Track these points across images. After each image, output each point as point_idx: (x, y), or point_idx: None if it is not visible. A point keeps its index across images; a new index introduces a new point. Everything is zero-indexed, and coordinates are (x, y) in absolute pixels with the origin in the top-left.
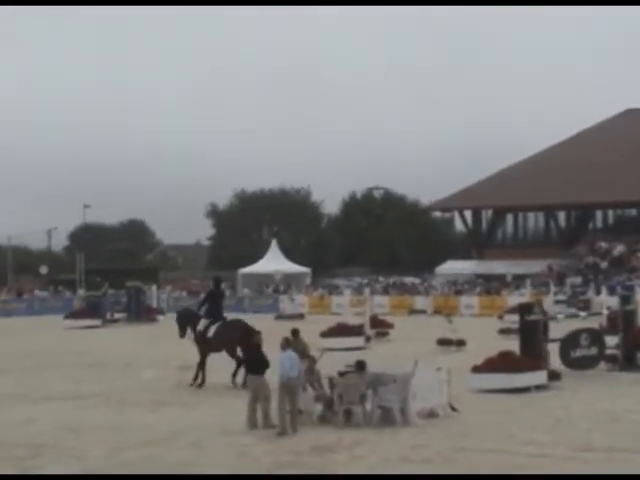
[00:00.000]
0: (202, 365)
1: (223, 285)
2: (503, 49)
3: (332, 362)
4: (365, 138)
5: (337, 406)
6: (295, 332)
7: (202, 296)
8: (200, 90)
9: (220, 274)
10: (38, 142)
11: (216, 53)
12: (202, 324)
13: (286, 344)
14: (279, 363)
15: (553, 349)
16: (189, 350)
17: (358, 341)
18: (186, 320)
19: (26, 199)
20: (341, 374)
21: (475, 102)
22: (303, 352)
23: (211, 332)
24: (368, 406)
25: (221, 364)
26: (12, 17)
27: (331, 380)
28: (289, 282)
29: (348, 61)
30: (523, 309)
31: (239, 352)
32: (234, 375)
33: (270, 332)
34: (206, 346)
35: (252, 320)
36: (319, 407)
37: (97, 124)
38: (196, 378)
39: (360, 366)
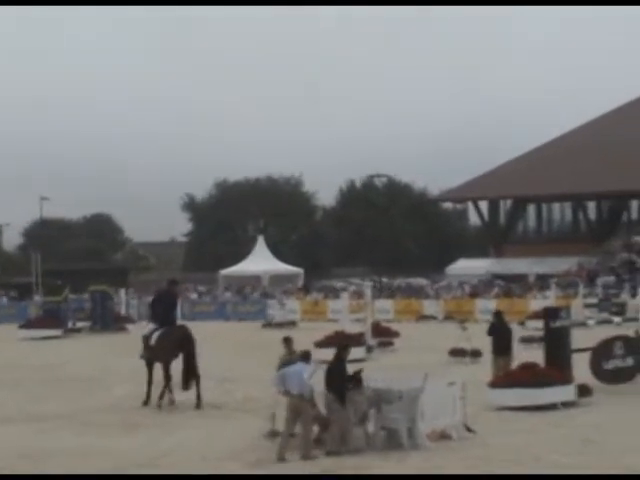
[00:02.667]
0: (148, 378)
1: (178, 288)
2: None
3: None
4: (364, 118)
5: (334, 427)
6: (287, 340)
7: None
8: (173, 64)
9: (193, 275)
10: None
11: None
12: (148, 329)
13: (288, 356)
14: (285, 378)
15: (583, 360)
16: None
17: (358, 352)
18: None
19: None
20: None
21: (490, 74)
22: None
23: (153, 339)
24: (370, 427)
25: (205, 378)
26: None
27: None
28: (278, 284)
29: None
30: (548, 314)
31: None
32: (160, 396)
33: (257, 343)
34: (147, 354)
35: (236, 328)
36: (314, 429)
37: (58, 98)
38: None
39: (356, 381)
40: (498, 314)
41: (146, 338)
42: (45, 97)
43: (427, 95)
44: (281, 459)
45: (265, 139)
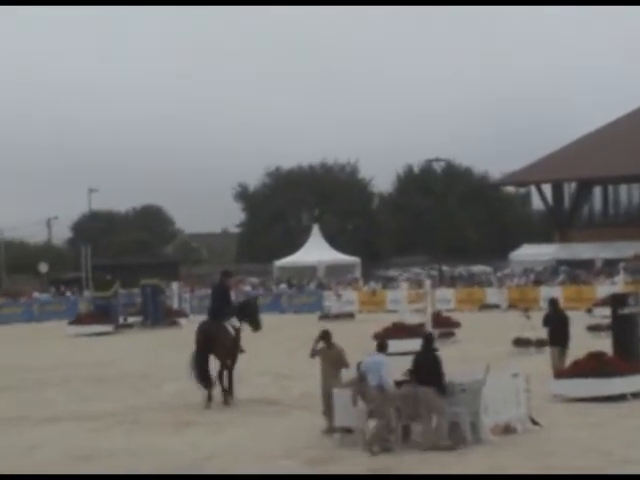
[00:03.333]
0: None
1: (232, 279)
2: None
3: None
4: (418, 101)
5: (394, 422)
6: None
7: None
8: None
9: (247, 267)
10: (32, 118)
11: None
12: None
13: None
14: (366, 369)
15: None
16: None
17: (418, 343)
18: None
19: (22, 184)
20: (398, 383)
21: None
22: (339, 360)
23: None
24: (433, 421)
25: (251, 375)
26: None
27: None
28: (335, 275)
29: None
30: (616, 301)
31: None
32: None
33: (314, 336)
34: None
35: (292, 321)
36: (372, 423)
37: (101, 89)
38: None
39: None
40: (553, 302)
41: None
42: (94, 85)
43: (488, 75)
44: (372, 452)
45: (318, 128)
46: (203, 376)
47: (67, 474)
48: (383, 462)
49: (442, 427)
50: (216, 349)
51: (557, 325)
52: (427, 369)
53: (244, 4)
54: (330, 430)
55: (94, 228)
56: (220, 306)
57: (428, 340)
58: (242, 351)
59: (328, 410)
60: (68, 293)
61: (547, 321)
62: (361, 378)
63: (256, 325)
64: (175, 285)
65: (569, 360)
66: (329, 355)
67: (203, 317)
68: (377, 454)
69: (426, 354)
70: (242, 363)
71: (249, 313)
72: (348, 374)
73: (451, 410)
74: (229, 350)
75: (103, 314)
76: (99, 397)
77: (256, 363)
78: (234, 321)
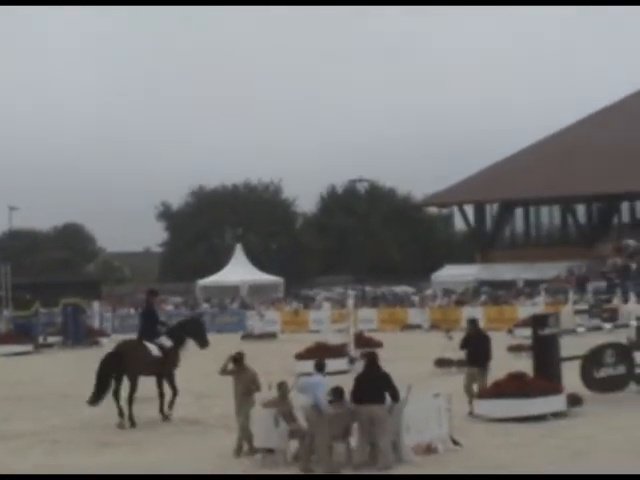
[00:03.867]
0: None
1: (157, 298)
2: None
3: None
4: (342, 121)
5: (316, 443)
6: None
7: None
8: (146, 74)
9: (169, 286)
10: None
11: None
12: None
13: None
14: (304, 388)
15: (574, 368)
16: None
17: (340, 363)
18: None
19: None
20: None
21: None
22: (252, 383)
23: None
24: (353, 442)
25: (183, 393)
26: None
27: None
28: (258, 295)
29: None
30: (537, 322)
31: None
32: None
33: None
34: None
35: (215, 340)
36: (294, 444)
37: (25, 106)
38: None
39: (337, 394)
40: (472, 322)
41: None
42: (13, 104)
43: (410, 96)
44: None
45: (241, 148)
46: (97, 393)
47: None
48: None
49: (387, 446)
50: (124, 366)
51: (478, 345)
52: (372, 387)
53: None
54: (238, 451)
55: (15, 246)
56: (147, 325)
57: (372, 359)
58: (174, 367)
59: (242, 432)
60: None
61: (466, 342)
62: (281, 398)
63: (203, 342)
64: (96, 304)
65: (489, 380)
66: (242, 377)
67: (124, 336)
68: (308, 471)
69: (371, 373)
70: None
71: (195, 331)
72: (266, 395)
73: (372, 430)
74: (138, 370)
75: (23, 333)
76: (19, 416)
77: (178, 382)
78: (164, 340)
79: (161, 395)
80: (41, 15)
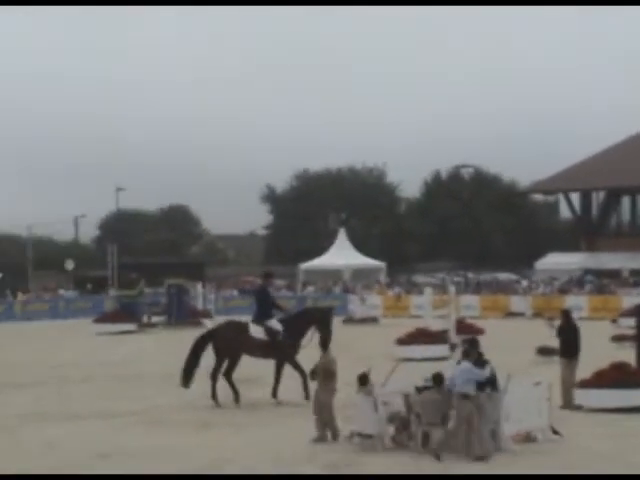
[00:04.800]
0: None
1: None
2: None
3: (409, 375)
4: (448, 107)
5: (414, 428)
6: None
7: None
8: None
9: (273, 269)
10: (64, 119)
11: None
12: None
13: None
14: (454, 376)
15: None
16: (241, 361)
17: (441, 350)
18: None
19: (50, 183)
20: (419, 390)
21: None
22: (329, 369)
23: None
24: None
25: (287, 377)
26: None
27: (407, 397)
28: (360, 279)
29: None
30: None
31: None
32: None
33: (337, 340)
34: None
35: None
36: (391, 429)
37: (130, 91)
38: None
39: (438, 380)
40: (564, 313)
41: None
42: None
43: (519, 79)
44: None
45: (347, 132)
46: (186, 370)
47: (84, 474)
48: (401, 469)
49: (485, 434)
50: (218, 345)
51: (568, 336)
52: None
53: None
54: (320, 439)
55: (121, 227)
56: (261, 307)
57: (473, 345)
58: (291, 352)
59: (320, 420)
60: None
61: (559, 332)
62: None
63: (326, 333)
64: (200, 285)
65: (590, 370)
66: (321, 364)
67: (227, 318)
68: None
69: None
70: (265, 365)
71: (321, 319)
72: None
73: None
74: (234, 350)
75: (128, 313)
76: (121, 395)
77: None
78: (274, 323)
79: (276, 380)
80: None
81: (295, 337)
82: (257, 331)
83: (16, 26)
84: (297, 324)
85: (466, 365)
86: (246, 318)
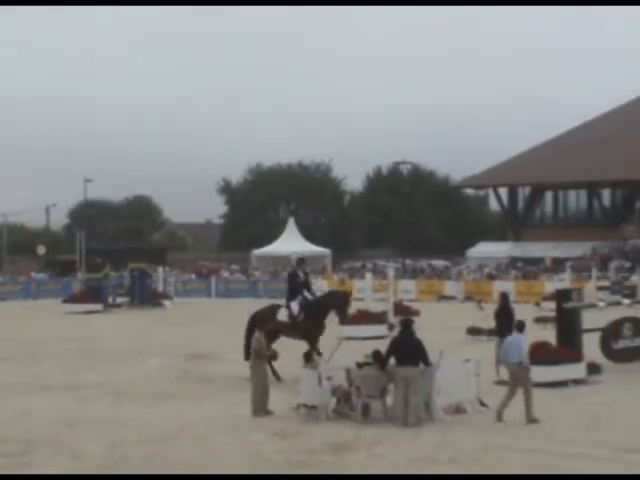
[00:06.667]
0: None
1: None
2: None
3: (350, 352)
4: (390, 108)
5: (355, 400)
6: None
7: None
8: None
9: (228, 256)
10: (35, 114)
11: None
12: None
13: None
14: (506, 347)
15: (594, 340)
16: (197, 338)
17: (380, 329)
18: None
19: (23, 173)
20: (360, 365)
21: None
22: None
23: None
24: (389, 400)
25: (230, 351)
26: None
27: (348, 372)
28: (307, 265)
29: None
30: (561, 296)
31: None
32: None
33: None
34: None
35: (266, 304)
36: (334, 401)
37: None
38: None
39: (376, 357)
40: (502, 295)
41: None
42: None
43: (450, 84)
44: (500, 420)
45: (296, 131)
46: (245, 346)
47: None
48: (343, 437)
49: (419, 405)
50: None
51: (504, 317)
52: (408, 351)
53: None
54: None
55: (89, 215)
56: (291, 291)
57: (407, 325)
58: (313, 333)
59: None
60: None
61: (496, 314)
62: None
63: (343, 316)
64: (161, 269)
65: None
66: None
67: (186, 300)
68: (537, 421)
69: (406, 337)
70: (227, 342)
71: (338, 303)
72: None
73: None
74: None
75: (94, 294)
76: (88, 369)
77: (239, 343)
78: (293, 305)
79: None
80: None
81: (318, 319)
82: (282, 314)
83: None
84: (319, 307)
85: (518, 337)
86: (203, 300)
